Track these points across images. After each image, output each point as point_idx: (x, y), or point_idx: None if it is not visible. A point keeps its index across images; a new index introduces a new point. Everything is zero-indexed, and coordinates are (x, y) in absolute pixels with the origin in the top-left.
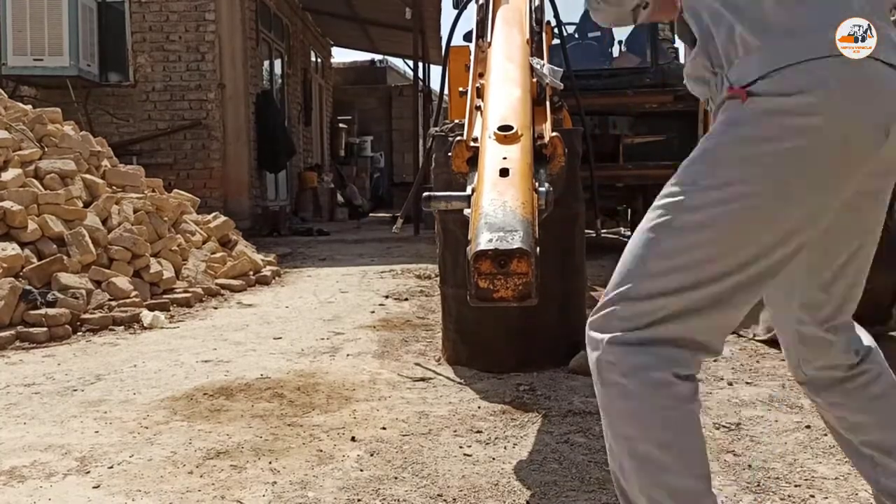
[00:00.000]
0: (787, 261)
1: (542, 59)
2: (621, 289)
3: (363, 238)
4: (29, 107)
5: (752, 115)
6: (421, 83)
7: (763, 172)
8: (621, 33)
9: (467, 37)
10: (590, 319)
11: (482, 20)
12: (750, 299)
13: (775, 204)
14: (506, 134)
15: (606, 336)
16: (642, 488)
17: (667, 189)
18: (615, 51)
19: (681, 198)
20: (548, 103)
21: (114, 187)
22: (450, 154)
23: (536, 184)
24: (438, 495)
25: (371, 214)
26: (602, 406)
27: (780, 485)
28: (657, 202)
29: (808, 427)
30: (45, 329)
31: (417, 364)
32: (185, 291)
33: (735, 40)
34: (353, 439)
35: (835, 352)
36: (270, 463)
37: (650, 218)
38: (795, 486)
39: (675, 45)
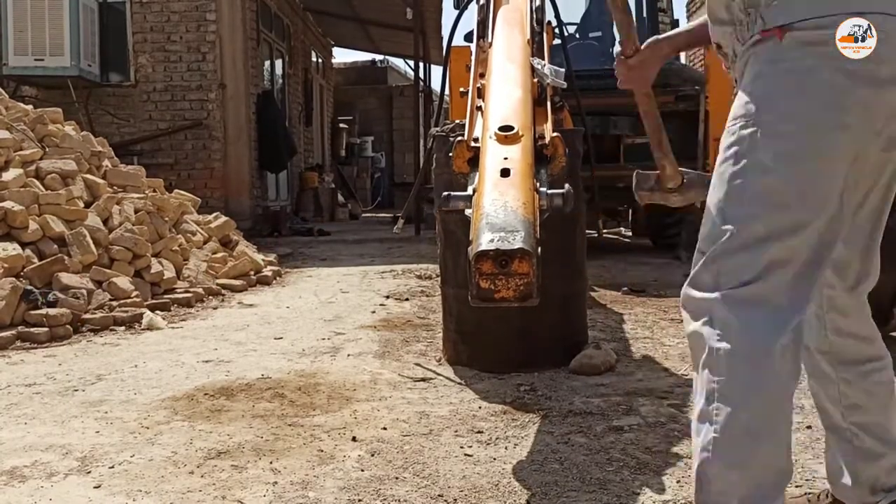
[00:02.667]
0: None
1: (543, 59)
2: None
3: (364, 238)
4: (30, 107)
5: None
6: (422, 83)
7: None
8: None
9: (468, 37)
10: None
11: (483, 20)
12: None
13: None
14: (507, 134)
15: None
16: None
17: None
18: (616, 51)
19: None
20: (549, 103)
21: (115, 187)
22: (451, 154)
23: (537, 184)
24: (439, 495)
25: (371, 215)
26: None
27: None
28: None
29: (808, 427)
30: (46, 329)
31: (418, 364)
32: (186, 291)
33: None
34: (353, 439)
35: (864, 317)
36: (271, 463)
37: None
38: (797, 486)
39: None
